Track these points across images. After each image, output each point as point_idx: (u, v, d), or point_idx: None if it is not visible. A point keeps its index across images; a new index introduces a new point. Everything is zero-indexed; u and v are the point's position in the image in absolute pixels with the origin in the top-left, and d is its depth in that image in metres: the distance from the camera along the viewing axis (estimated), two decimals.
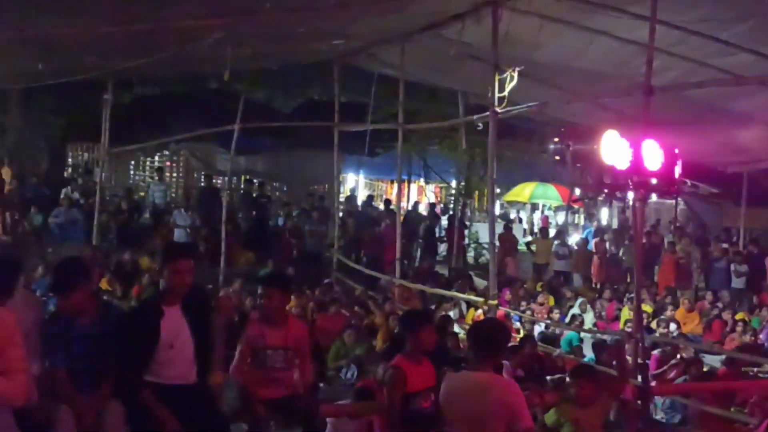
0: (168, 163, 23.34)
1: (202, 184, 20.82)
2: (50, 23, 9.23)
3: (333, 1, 9.11)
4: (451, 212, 21.30)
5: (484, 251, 19.36)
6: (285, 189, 23.64)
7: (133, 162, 23.37)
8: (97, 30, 9.61)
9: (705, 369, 10.56)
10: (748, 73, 9.47)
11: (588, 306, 14.18)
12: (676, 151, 6.76)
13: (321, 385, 10.19)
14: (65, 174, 21.61)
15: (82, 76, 12.59)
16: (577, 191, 24.77)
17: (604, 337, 12.14)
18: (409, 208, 20.88)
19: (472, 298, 12.75)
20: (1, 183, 17.49)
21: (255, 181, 20.67)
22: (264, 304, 6.00)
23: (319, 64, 16.59)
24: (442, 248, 19.91)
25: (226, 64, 11.42)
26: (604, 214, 26.64)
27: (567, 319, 13.50)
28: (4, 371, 3.57)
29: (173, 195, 21.18)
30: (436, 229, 19.96)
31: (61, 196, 17.61)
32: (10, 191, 17.51)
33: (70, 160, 22.90)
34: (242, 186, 21.19)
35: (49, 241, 16.27)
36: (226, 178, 17.38)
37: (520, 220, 27.14)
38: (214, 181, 20.17)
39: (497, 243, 13.23)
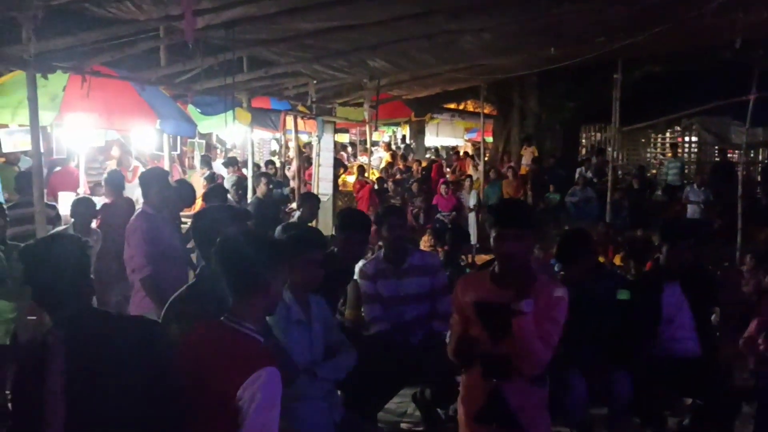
0: (679, 140, 22.93)
1: (716, 159, 20.06)
2: (559, 9, 9.69)
3: None
4: None
5: None
6: None
7: (643, 140, 23.38)
8: (604, 12, 9.85)
9: None
10: None
11: None
12: None
13: None
14: (579, 155, 22.39)
15: (589, 55, 12.92)
16: None
17: None
18: None
19: None
20: (518, 162, 18.80)
21: None
22: None
23: None
24: None
25: (737, 30, 10.90)
26: None
27: None
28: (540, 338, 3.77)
29: (686, 171, 20.73)
30: None
31: (576, 176, 18.36)
32: (526, 171, 18.71)
33: (583, 141, 23.66)
34: (760, 159, 20.00)
35: (566, 219, 17.05)
36: (742, 152, 16.52)
37: None
38: (729, 155, 19.39)
39: None
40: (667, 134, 22.94)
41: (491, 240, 3.85)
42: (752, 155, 19.93)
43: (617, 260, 13.27)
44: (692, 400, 5.64)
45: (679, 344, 5.36)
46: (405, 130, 28.29)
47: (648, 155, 23.58)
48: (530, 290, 3.74)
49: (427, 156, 26.95)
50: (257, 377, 2.90)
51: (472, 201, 17.47)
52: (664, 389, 5.30)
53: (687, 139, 22.17)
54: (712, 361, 5.37)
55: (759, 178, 18.58)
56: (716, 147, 20.93)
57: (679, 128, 22.38)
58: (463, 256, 11.19)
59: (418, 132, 26.24)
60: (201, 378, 3.01)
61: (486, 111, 20.13)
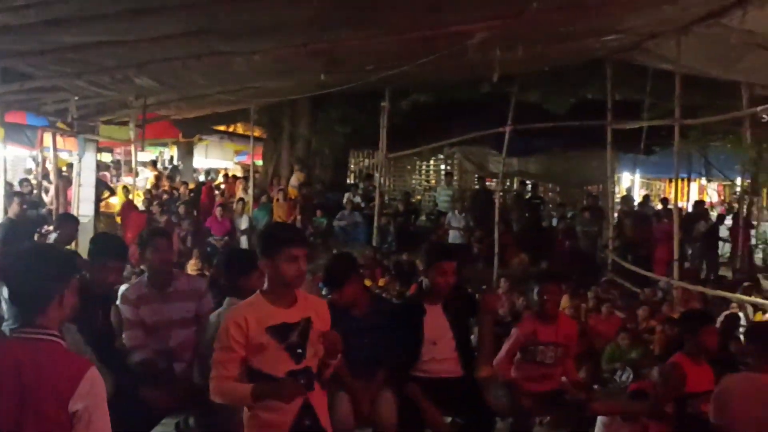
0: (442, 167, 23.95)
1: (476, 186, 21.11)
2: (331, 37, 9.85)
3: None
4: (735, 211, 20.02)
5: None
6: (558, 190, 23.44)
7: (409, 167, 24.19)
8: (375, 40, 10.13)
9: None
10: None
11: None
12: None
13: (595, 386, 10.06)
14: (348, 180, 22.80)
15: (359, 83, 13.21)
16: None
17: None
18: (689, 207, 19.98)
19: (759, 301, 11.95)
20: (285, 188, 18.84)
21: (527, 182, 20.72)
22: (542, 300, 6.05)
23: (591, 63, 16.26)
24: (726, 249, 18.85)
25: (495, 66, 11.56)
26: None
27: None
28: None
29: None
30: (719, 229, 18.99)
31: (345, 200, 18.69)
32: (296, 196, 18.81)
33: (352, 166, 24.13)
34: (515, 188, 21.27)
35: (334, 243, 17.28)
36: (499, 180, 17.51)
37: None
38: (487, 183, 20.45)
39: None
40: (431, 162, 23.88)
41: (270, 265, 3.90)
42: (508, 184, 21.13)
43: (382, 282, 13.61)
44: (452, 419, 5.83)
45: (441, 365, 5.54)
46: (173, 151, 27.62)
47: (413, 182, 24.41)
48: (307, 305, 3.95)
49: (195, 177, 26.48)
50: (89, 380, 2.91)
51: (243, 224, 17.33)
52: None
53: (448, 167, 23.16)
54: (471, 381, 5.58)
55: (513, 206, 19.70)
56: (476, 175, 22.03)
57: (442, 156, 23.35)
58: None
59: (187, 153, 25.70)
60: (23, 399, 2.88)
61: (256, 134, 20.07)
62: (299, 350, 3.86)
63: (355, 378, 5.43)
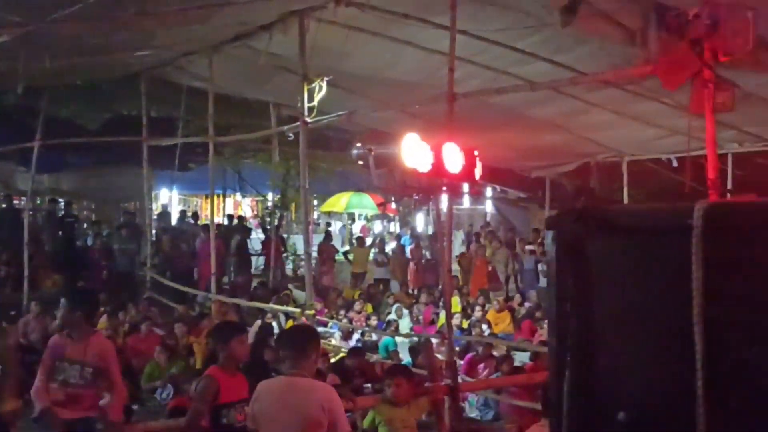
0: None
1: (3, 205, 19.57)
2: None
3: (133, 9, 8.78)
4: (268, 225, 21.13)
5: (303, 263, 19.38)
6: (93, 207, 22.71)
7: None
8: None
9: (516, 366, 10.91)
10: (543, 81, 9.78)
11: (404, 311, 14.47)
12: (476, 153, 6.90)
13: (135, 407, 9.85)
14: None
15: None
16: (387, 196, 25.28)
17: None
18: (225, 222, 20.58)
19: (289, 309, 12.66)
20: None
21: (60, 200, 19.76)
22: (63, 321, 5.76)
23: (127, 78, 15.98)
24: (260, 261, 19.75)
25: (20, 77, 10.79)
26: (419, 221, 27.25)
27: (384, 326, 13.73)
28: None
29: None
30: (254, 243, 19.86)
31: None
32: None
33: None
34: (46, 206, 20.14)
35: None
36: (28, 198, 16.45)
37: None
38: (14, 201, 19.04)
39: (314, 254, 13.22)
40: None
41: None
42: (38, 202, 19.99)
43: None
44: None
45: None
46: None
47: None
48: None
49: None
50: None
51: None
52: None
53: None
54: None
55: (44, 226, 18.66)
56: (1, 193, 20.49)
57: None
58: None
59: None
60: None
61: None
62: None
63: None
